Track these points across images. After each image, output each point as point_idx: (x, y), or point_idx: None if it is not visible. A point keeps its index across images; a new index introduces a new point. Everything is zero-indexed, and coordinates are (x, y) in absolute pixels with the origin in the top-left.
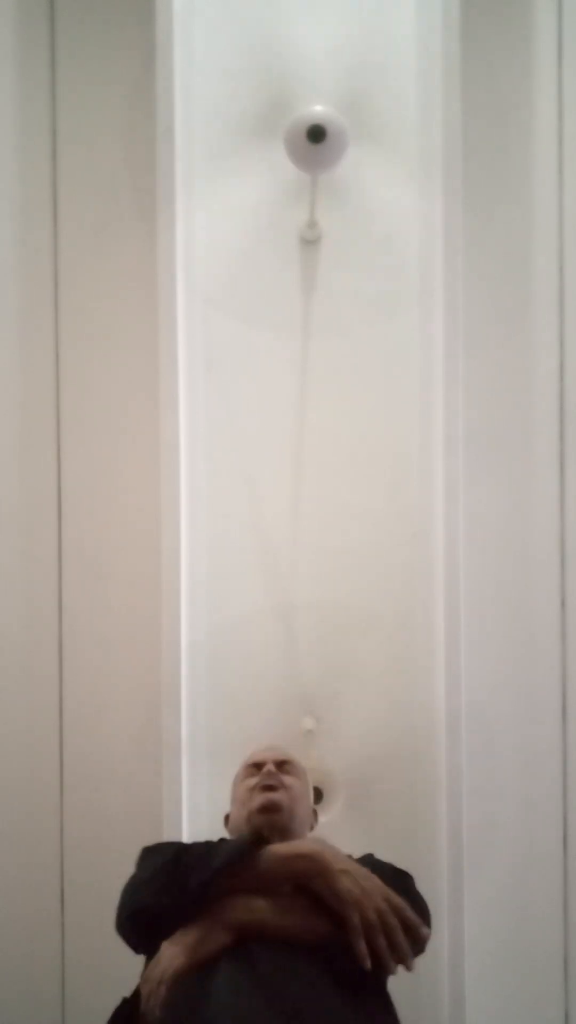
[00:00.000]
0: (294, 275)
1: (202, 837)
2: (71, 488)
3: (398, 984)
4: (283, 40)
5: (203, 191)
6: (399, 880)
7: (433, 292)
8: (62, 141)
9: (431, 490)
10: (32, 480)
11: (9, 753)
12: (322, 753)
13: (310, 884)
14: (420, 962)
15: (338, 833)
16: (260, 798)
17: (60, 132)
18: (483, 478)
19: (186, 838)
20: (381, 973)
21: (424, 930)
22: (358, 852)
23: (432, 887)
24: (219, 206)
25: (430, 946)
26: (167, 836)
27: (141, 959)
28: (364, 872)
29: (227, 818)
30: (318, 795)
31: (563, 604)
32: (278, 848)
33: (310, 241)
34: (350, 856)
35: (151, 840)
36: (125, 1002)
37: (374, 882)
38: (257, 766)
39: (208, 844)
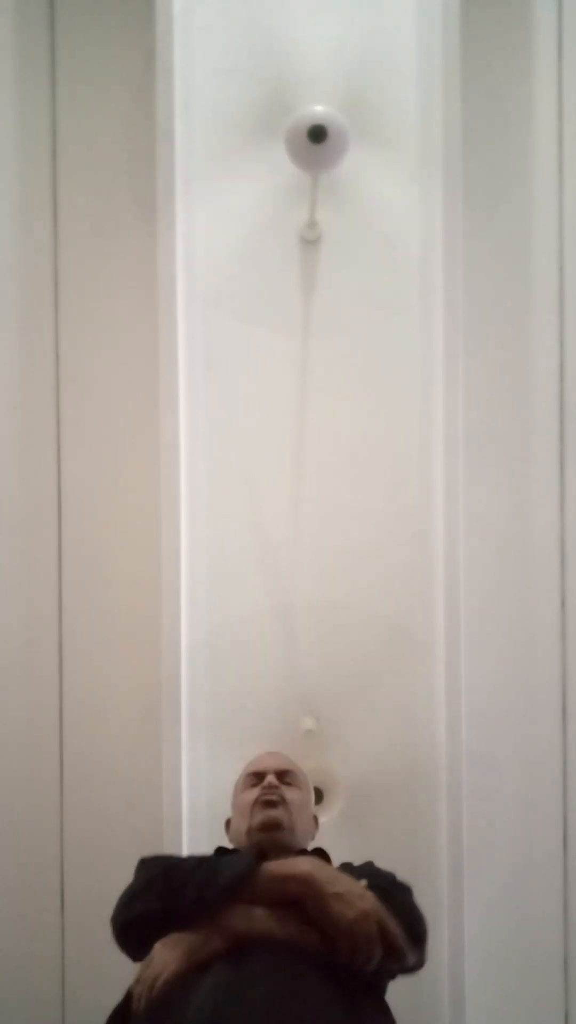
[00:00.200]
0: (294, 275)
1: (201, 837)
2: (71, 488)
3: (398, 984)
4: (283, 40)
5: (203, 191)
6: (397, 893)
7: (433, 292)
8: (62, 141)
9: (431, 490)
10: (32, 480)
11: (9, 753)
12: (322, 753)
13: (302, 905)
14: None
15: (338, 833)
16: (261, 815)
17: (60, 132)
18: (483, 478)
19: (186, 838)
20: (386, 977)
21: (409, 959)
22: (358, 855)
23: (432, 887)
24: (219, 206)
25: (431, 946)
26: (167, 836)
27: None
28: (359, 892)
29: (228, 824)
30: (318, 795)
31: (563, 604)
32: (273, 868)
33: (310, 241)
34: (349, 865)
35: (151, 840)
36: (123, 1002)
37: (368, 904)
38: (258, 775)
39: (204, 859)
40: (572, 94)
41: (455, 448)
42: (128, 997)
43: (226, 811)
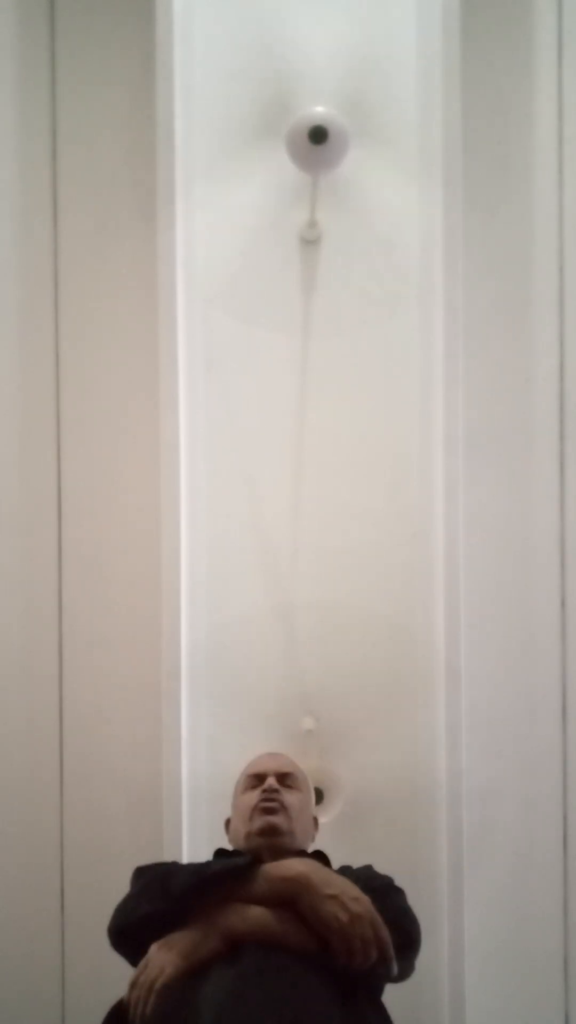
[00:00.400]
0: (294, 275)
1: (201, 837)
2: (71, 488)
3: (398, 984)
4: (284, 40)
5: (203, 191)
6: (393, 898)
7: (433, 292)
8: (62, 141)
9: (431, 490)
10: (32, 480)
11: (9, 753)
12: (322, 753)
13: (297, 906)
14: (420, 962)
15: (339, 834)
16: (260, 821)
17: (60, 132)
18: (483, 478)
19: (186, 838)
20: (374, 981)
21: (394, 968)
22: (358, 855)
23: (432, 887)
24: (219, 206)
25: (431, 946)
26: (167, 836)
27: None
28: (353, 894)
29: (227, 823)
30: (318, 796)
31: (563, 604)
32: (269, 869)
33: (310, 241)
34: (348, 868)
35: (151, 840)
36: (115, 1008)
37: (363, 906)
38: (259, 777)
39: (201, 863)
40: (572, 94)
41: (455, 448)
42: (120, 1004)
43: (226, 811)
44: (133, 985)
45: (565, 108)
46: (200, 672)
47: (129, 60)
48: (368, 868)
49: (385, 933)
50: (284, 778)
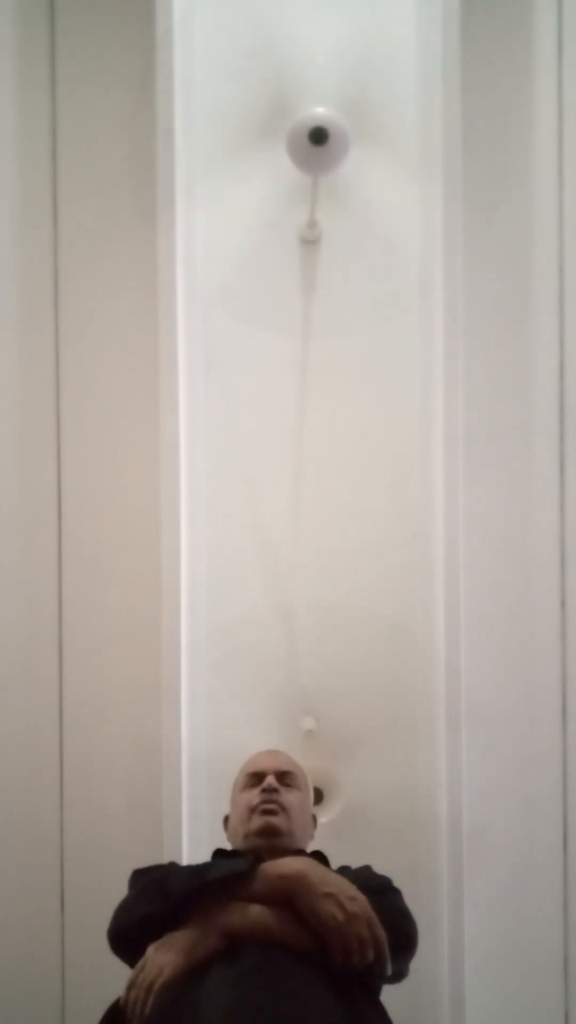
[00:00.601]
0: (294, 275)
1: (202, 837)
2: (71, 488)
3: (398, 984)
4: (284, 40)
5: (203, 191)
6: (390, 898)
7: (433, 292)
8: (62, 141)
9: (431, 490)
10: (32, 480)
11: (9, 753)
12: (322, 753)
13: (295, 904)
14: (420, 962)
15: (339, 834)
16: (259, 821)
17: (60, 132)
18: (483, 478)
19: (185, 839)
20: (369, 980)
21: (388, 968)
22: (358, 855)
23: (432, 887)
24: (219, 206)
25: (431, 946)
26: (167, 836)
27: None
28: (350, 893)
29: (226, 820)
30: (318, 796)
31: (563, 604)
32: (267, 867)
33: (310, 241)
34: (346, 868)
35: (151, 840)
36: (111, 1009)
37: (359, 905)
38: (258, 776)
39: (199, 865)
40: (572, 94)
41: (455, 448)
42: (117, 1004)
43: (226, 811)
44: (131, 985)
45: (565, 108)
46: (200, 672)
47: (129, 60)
48: (367, 868)
49: (381, 933)
50: (283, 777)
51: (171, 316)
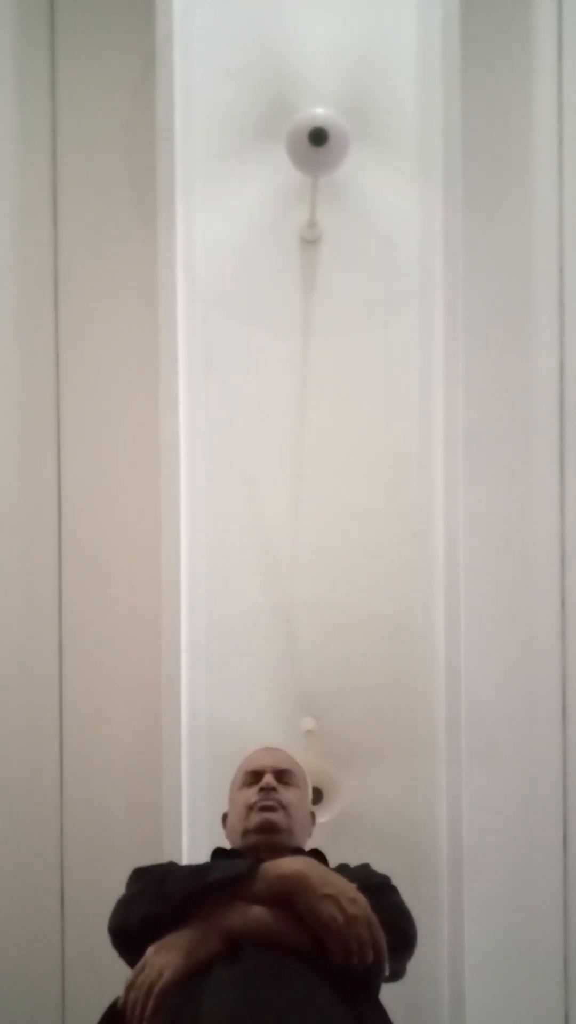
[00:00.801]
0: (294, 275)
1: (201, 837)
2: (71, 488)
3: (398, 984)
4: (284, 41)
5: (203, 191)
6: (388, 896)
7: (433, 292)
8: (62, 141)
9: (431, 490)
10: (32, 480)
11: (9, 753)
12: (322, 753)
13: (295, 905)
14: (420, 962)
15: (337, 834)
16: (258, 818)
17: (60, 132)
18: (483, 478)
19: (185, 838)
20: (368, 981)
21: (386, 968)
22: (358, 855)
23: (432, 887)
24: (219, 206)
25: (431, 946)
26: (167, 836)
27: None
28: (350, 895)
29: (224, 818)
30: (317, 795)
31: (563, 604)
32: (266, 867)
33: (310, 241)
34: (345, 866)
35: (151, 840)
36: (109, 1010)
37: (359, 907)
38: (256, 774)
39: (199, 865)
40: (572, 94)
41: (455, 448)
42: (115, 1005)
43: (226, 810)
44: (130, 987)
45: (565, 108)
46: (200, 672)
47: (129, 60)
48: (365, 866)
49: (381, 935)
50: (281, 775)
51: (171, 316)
